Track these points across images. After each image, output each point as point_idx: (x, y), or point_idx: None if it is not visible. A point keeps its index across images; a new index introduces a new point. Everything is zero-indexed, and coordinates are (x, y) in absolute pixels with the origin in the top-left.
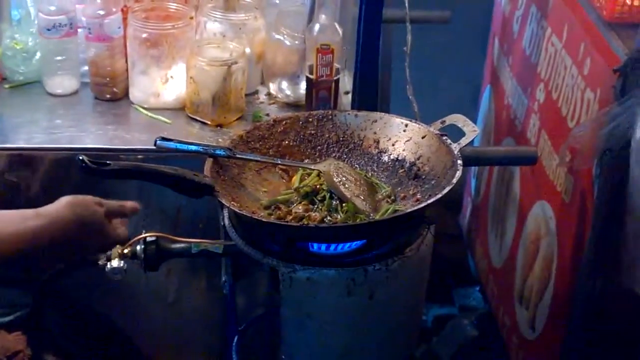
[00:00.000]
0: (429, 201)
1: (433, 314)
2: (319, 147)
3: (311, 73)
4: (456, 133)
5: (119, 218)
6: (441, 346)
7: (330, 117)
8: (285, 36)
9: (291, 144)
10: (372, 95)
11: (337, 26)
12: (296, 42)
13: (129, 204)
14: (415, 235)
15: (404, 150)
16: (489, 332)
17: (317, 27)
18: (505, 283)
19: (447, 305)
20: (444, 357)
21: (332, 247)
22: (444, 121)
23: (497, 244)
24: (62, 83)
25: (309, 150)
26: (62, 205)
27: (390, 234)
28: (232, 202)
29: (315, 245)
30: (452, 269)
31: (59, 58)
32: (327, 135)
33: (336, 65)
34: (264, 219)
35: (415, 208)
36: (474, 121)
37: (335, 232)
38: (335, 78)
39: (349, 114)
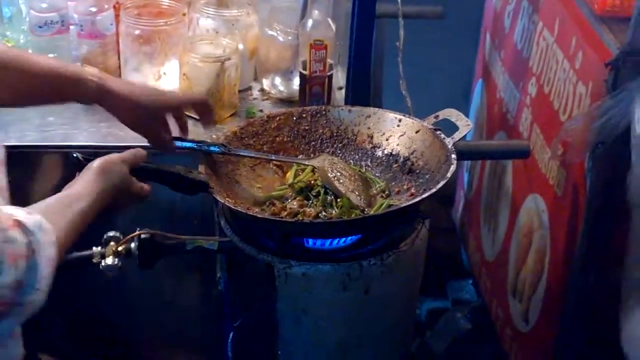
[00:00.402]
0: (424, 195)
1: (426, 308)
2: (312, 143)
3: (304, 69)
4: (449, 127)
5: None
6: (435, 340)
7: (323, 112)
8: (279, 32)
9: (285, 139)
10: (365, 90)
11: (330, 22)
12: (289, 37)
13: (138, 152)
14: (410, 230)
15: (397, 145)
16: (482, 325)
17: (310, 22)
18: (499, 276)
19: (440, 298)
20: (437, 351)
21: (327, 242)
22: (438, 116)
23: (490, 238)
24: None
25: (303, 145)
26: (96, 176)
27: (385, 228)
28: (227, 199)
29: (311, 241)
30: (445, 263)
31: (50, 56)
32: (320, 131)
33: (329, 60)
34: (259, 215)
35: (410, 202)
36: (466, 115)
37: (330, 227)
38: (328, 74)
39: (342, 109)
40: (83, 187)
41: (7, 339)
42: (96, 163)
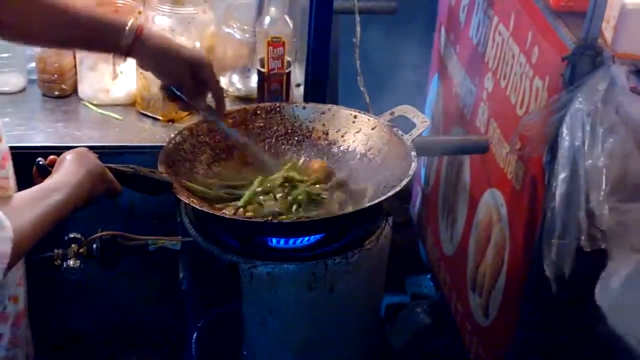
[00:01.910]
0: (389, 194)
1: (385, 303)
2: (268, 140)
3: (262, 66)
4: (407, 123)
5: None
6: (395, 335)
7: (278, 109)
8: (235, 29)
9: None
10: (324, 87)
11: (287, 19)
12: (246, 35)
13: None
14: (374, 228)
15: (353, 141)
16: (442, 320)
17: (267, 19)
18: (458, 270)
19: (399, 293)
20: (397, 346)
21: (292, 241)
22: (393, 112)
23: (448, 232)
24: (9, 80)
25: (258, 142)
26: (74, 163)
27: (349, 227)
28: (191, 199)
29: (275, 240)
30: (403, 258)
31: (4, 55)
32: (275, 128)
33: (287, 58)
34: (226, 216)
35: (375, 202)
36: (422, 110)
37: (296, 227)
38: (287, 71)
39: (296, 106)
40: (61, 178)
41: None
42: (70, 154)
